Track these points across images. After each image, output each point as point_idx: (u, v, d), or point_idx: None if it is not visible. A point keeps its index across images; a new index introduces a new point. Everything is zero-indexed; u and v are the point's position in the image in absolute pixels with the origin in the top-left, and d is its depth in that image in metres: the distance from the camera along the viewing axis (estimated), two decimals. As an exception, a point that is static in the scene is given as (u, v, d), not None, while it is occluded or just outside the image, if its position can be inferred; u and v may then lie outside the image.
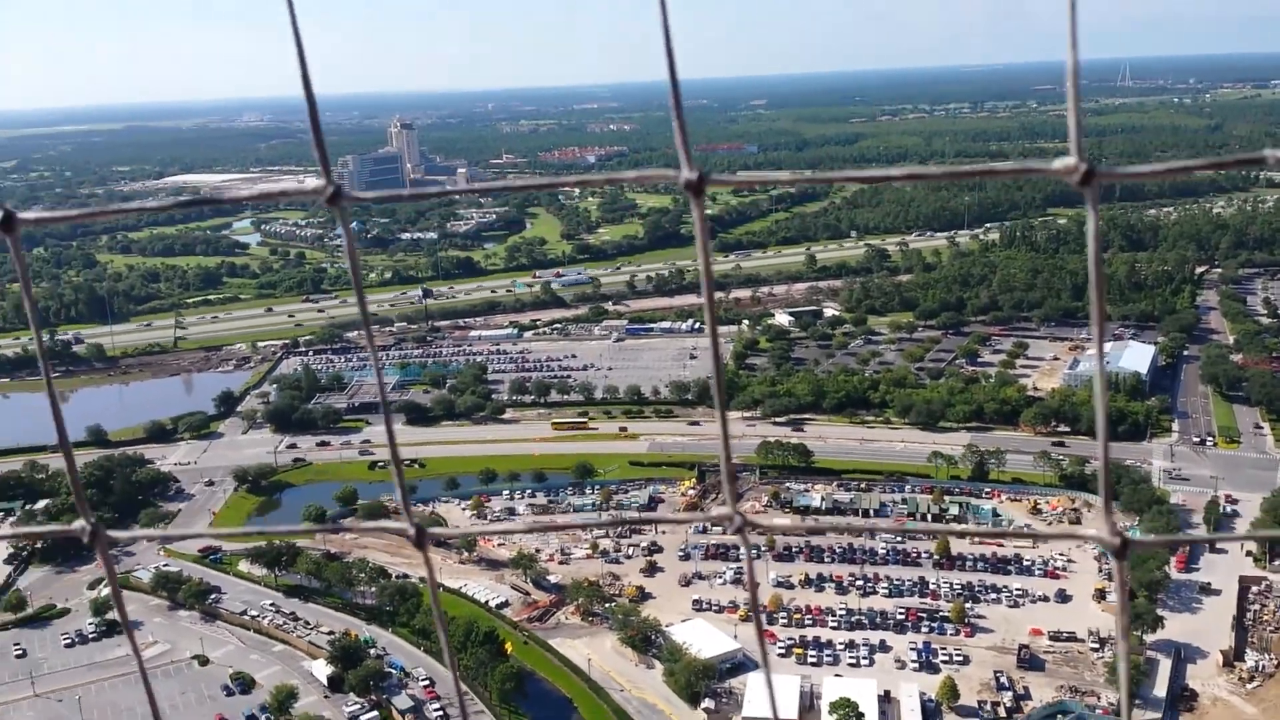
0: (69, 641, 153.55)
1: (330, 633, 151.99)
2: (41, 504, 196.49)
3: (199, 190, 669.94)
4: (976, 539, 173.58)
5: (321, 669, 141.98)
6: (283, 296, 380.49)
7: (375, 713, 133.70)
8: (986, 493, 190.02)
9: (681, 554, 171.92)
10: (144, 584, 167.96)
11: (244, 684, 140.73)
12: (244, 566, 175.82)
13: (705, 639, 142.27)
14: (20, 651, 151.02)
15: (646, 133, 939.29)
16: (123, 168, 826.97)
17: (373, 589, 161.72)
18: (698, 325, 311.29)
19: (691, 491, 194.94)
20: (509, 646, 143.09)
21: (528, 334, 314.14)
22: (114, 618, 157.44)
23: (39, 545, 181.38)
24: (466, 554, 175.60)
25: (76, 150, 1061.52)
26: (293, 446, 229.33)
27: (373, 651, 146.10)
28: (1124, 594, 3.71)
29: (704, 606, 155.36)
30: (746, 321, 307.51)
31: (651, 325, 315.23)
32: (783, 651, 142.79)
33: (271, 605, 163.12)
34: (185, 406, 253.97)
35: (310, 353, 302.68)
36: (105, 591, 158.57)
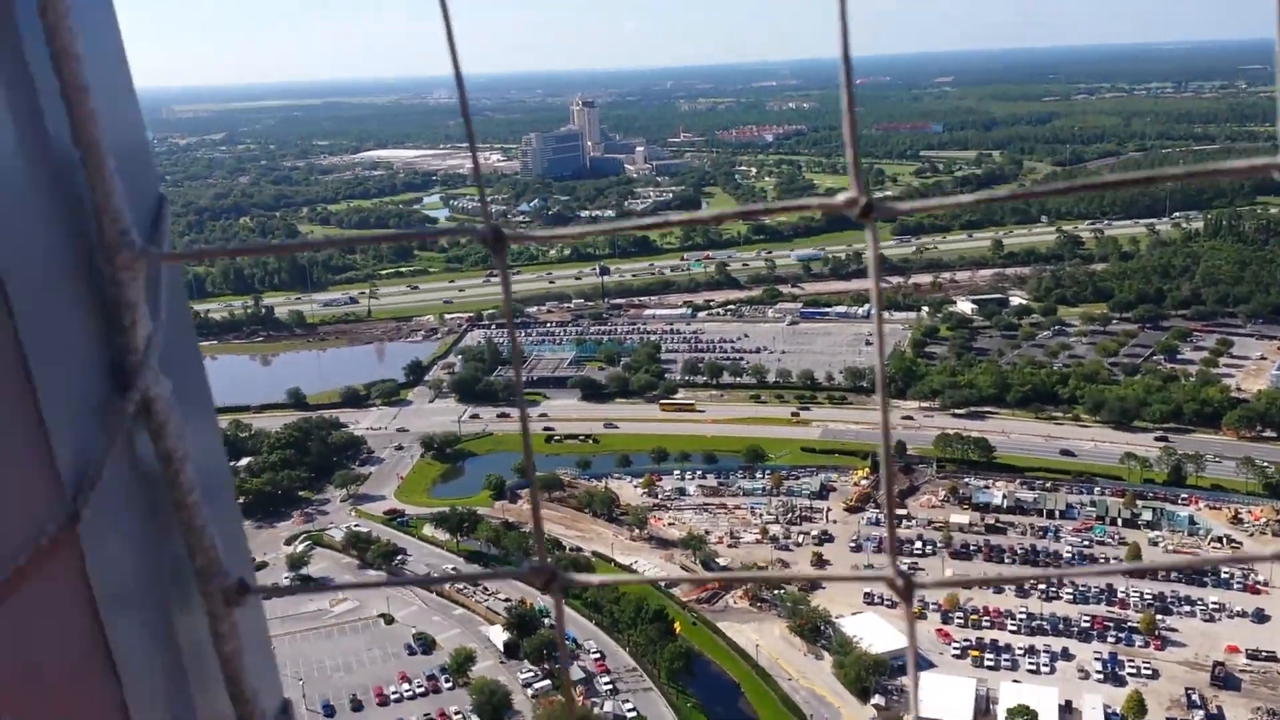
0: (265, 595, 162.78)
1: (507, 600, 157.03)
2: (244, 461, 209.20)
3: (392, 165, 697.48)
4: (1166, 550, 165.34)
5: (498, 635, 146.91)
6: (468, 270, 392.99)
7: (548, 681, 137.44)
8: (1183, 499, 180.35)
9: (853, 545, 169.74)
10: (336, 543, 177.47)
11: (425, 644, 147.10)
12: (428, 530, 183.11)
13: (876, 633, 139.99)
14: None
15: (825, 111, 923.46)
16: (321, 142, 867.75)
17: (549, 560, 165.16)
18: (873, 310, 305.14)
19: (865, 481, 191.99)
20: (678, 626, 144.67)
21: (701, 314, 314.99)
22: (309, 573, 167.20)
23: (240, 500, 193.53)
24: (638, 531, 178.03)
25: (279, 124, 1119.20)
26: (475, 417, 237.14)
27: (546, 621, 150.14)
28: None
29: (875, 601, 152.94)
30: (926, 308, 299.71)
31: (826, 309, 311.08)
32: (958, 653, 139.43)
33: (453, 569, 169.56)
34: (377, 374, 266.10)
35: (493, 326, 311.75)
36: (301, 547, 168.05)
